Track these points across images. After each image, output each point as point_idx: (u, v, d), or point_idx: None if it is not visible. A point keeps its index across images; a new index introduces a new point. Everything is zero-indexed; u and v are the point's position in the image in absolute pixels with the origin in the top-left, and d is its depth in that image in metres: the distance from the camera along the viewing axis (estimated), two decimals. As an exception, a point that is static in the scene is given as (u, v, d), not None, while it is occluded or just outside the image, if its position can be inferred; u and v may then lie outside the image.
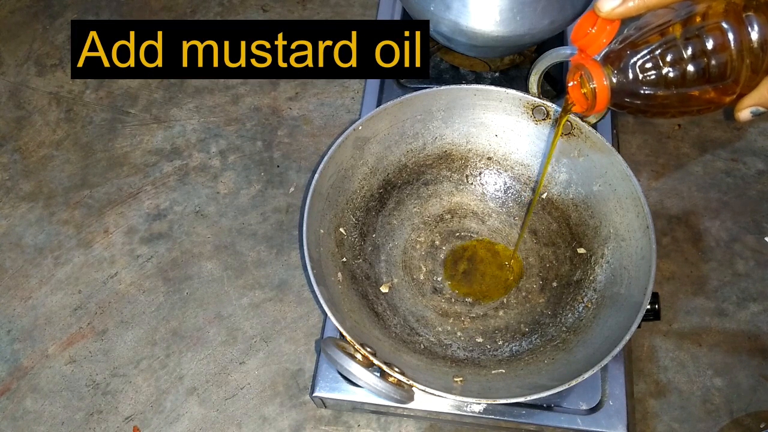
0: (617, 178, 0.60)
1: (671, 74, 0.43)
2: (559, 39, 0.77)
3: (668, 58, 0.43)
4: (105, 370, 0.68)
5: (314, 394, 0.60)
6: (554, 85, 0.76)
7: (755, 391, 0.64)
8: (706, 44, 0.41)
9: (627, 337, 0.51)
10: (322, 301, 0.53)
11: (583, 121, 0.62)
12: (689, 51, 0.42)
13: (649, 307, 0.53)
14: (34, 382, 0.68)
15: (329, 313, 0.52)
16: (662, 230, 0.73)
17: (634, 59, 0.44)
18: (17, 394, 0.68)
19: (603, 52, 0.46)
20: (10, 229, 0.78)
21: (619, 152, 0.60)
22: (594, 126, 0.62)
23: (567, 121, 0.63)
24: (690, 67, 0.42)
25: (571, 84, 0.50)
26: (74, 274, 0.74)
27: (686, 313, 0.69)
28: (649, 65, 0.43)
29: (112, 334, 0.70)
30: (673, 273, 0.71)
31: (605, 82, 0.46)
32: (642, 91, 0.44)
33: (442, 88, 0.64)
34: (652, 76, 0.43)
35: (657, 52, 0.43)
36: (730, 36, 0.41)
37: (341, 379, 0.60)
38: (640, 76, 0.44)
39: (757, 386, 0.65)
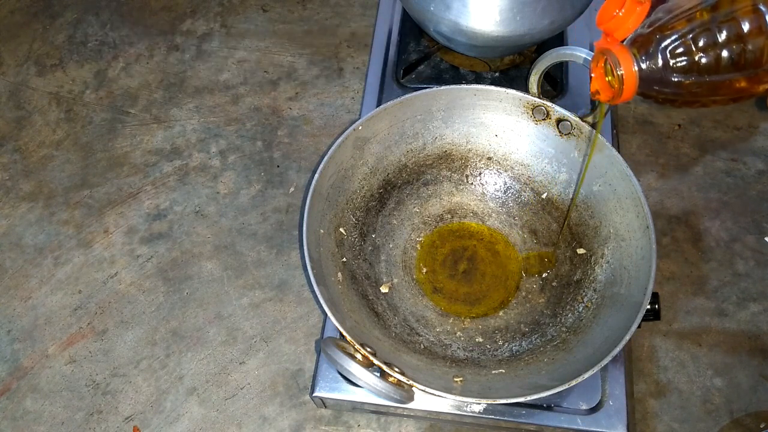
0: (617, 178, 0.60)
1: (704, 60, 0.40)
2: (559, 39, 0.77)
3: (701, 43, 0.40)
4: (105, 370, 0.68)
5: (314, 394, 0.60)
6: (554, 85, 0.76)
7: (755, 391, 0.64)
8: (742, 28, 0.39)
9: (627, 337, 0.51)
10: (322, 301, 0.53)
11: (583, 121, 0.62)
12: (723, 35, 0.39)
13: (649, 307, 0.53)
14: (34, 382, 0.68)
15: (329, 313, 0.52)
16: (662, 230, 0.73)
17: (664, 44, 0.41)
18: (17, 394, 0.68)
19: (630, 37, 0.44)
20: (10, 229, 0.78)
21: (619, 152, 0.60)
22: (594, 126, 0.62)
23: (566, 120, 0.63)
24: (724, 53, 0.40)
25: (594, 71, 0.47)
26: (74, 274, 0.74)
27: (686, 313, 0.69)
28: (680, 50, 0.41)
29: (112, 334, 0.70)
30: (673, 273, 0.71)
31: (634, 68, 0.43)
32: (672, 79, 0.42)
33: (442, 88, 0.64)
34: (684, 63, 0.41)
35: (689, 37, 0.40)
36: None
37: (341, 379, 0.60)
38: (671, 62, 0.41)
39: (757, 386, 0.65)
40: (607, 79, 0.46)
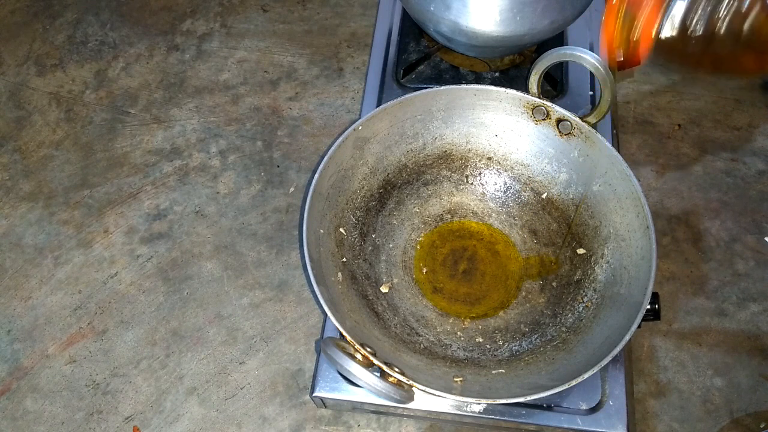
0: (617, 178, 0.60)
1: (723, 29, 0.40)
2: (559, 39, 0.77)
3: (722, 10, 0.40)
4: (105, 370, 0.68)
5: (314, 394, 0.60)
6: (554, 85, 0.76)
7: (755, 391, 0.64)
8: None
9: (627, 337, 0.51)
10: (322, 301, 0.53)
11: (583, 121, 0.62)
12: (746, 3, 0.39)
13: (649, 307, 0.53)
14: (34, 382, 0.68)
15: (329, 313, 0.52)
16: (662, 230, 0.73)
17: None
18: (17, 394, 0.68)
19: None
20: (10, 229, 0.78)
21: (619, 152, 0.60)
22: (594, 126, 0.62)
23: (566, 120, 0.63)
24: (745, 26, 0.39)
25: (607, 27, 0.46)
26: (74, 274, 0.74)
27: (686, 313, 0.69)
28: (699, 12, 0.40)
29: (112, 334, 0.70)
30: (673, 273, 0.71)
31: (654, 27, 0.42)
32: (689, 36, 0.41)
33: (442, 88, 0.64)
34: (702, 25, 0.40)
35: None
36: None
37: (341, 379, 0.60)
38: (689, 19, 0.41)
39: (757, 386, 0.65)
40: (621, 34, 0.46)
